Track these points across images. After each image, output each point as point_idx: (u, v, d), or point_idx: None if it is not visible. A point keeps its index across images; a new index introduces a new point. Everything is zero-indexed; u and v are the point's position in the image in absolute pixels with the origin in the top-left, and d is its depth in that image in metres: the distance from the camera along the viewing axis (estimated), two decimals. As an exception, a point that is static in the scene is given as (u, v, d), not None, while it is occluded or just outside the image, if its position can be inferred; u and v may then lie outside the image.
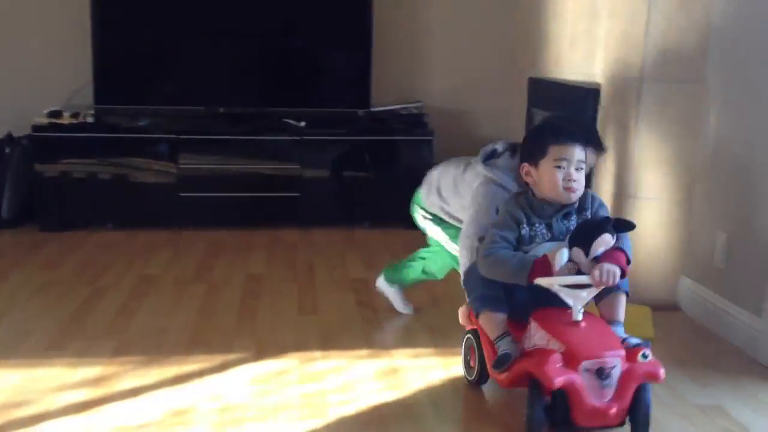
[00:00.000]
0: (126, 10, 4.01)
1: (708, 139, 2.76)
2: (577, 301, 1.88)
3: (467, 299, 2.13)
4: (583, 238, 1.91)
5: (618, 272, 1.87)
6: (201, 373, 2.22)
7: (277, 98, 4.18)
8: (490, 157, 2.33)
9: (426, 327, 2.63)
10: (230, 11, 4.10)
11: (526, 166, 2.03)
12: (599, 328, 1.92)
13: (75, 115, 3.84)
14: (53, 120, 3.81)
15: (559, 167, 1.96)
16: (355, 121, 4.12)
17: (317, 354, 2.38)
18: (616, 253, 1.90)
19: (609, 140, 2.87)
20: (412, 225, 2.71)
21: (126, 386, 2.14)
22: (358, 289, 3.01)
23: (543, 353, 1.84)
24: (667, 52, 2.77)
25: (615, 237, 1.92)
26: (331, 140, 4.01)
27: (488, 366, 2.02)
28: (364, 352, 2.41)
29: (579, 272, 1.89)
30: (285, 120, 4.04)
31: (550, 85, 3.55)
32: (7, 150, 3.81)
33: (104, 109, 3.97)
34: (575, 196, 1.99)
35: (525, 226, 2.00)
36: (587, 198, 2.04)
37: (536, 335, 1.92)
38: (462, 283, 2.17)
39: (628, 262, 1.92)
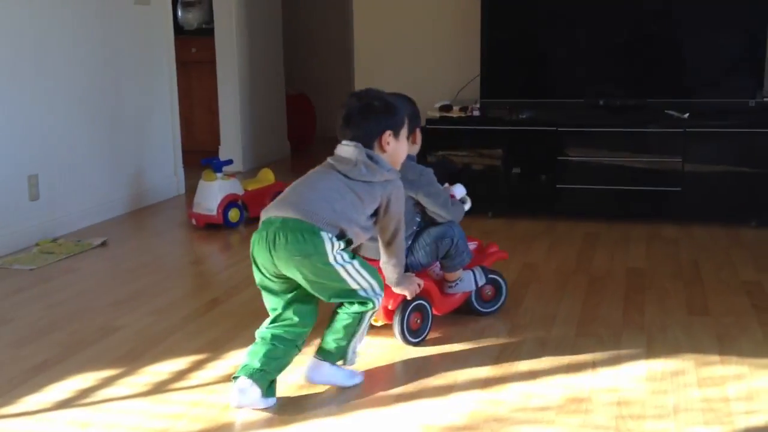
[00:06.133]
0: (510, 10, 4.21)
1: None
2: None
3: (461, 256, 2.50)
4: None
5: None
6: (594, 364, 2.29)
7: (659, 89, 4.08)
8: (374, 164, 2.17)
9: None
10: (610, 3, 4.10)
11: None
12: None
13: (463, 109, 4.14)
14: (444, 113, 4.14)
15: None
16: (745, 112, 3.87)
17: (714, 357, 2.31)
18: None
19: None
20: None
21: (521, 368, 2.28)
22: (752, 292, 2.85)
23: (489, 249, 2.73)
24: None
25: None
26: (717, 132, 3.81)
27: (437, 307, 2.52)
28: (766, 361, 2.28)
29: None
30: (667, 111, 3.93)
31: None
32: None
33: (490, 103, 4.23)
34: None
35: None
36: None
37: None
38: (452, 253, 2.49)
39: None
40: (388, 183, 2.16)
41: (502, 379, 2.20)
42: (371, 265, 2.17)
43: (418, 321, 2.46)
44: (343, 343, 2.15)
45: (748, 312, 2.66)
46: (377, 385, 2.18)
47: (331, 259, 2.06)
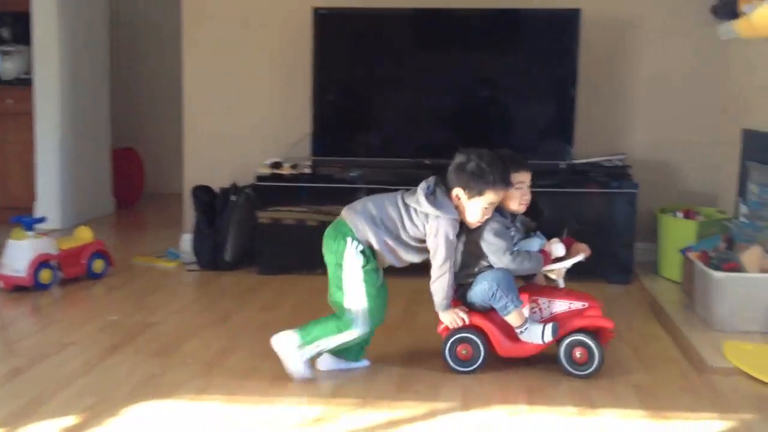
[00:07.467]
0: (341, 70, 4.31)
1: None
2: (561, 276, 2.71)
3: (502, 301, 2.58)
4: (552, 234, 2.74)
5: None
6: (412, 419, 2.31)
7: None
8: (428, 197, 2.60)
9: (633, 386, 2.57)
10: (435, 68, 4.28)
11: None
12: (571, 290, 2.76)
13: (294, 166, 4.15)
14: (274, 171, 4.13)
15: (518, 189, 2.66)
16: (556, 174, 4.13)
17: (524, 408, 2.40)
18: (569, 237, 2.75)
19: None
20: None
21: (343, 427, 2.26)
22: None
23: (589, 312, 2.67)
24: None
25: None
26: (532, 192, 4.02)
27: (498, 348, 2.66)
28: (571, 409, 2.40)
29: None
30: (486, 171, 4.12)
31: (768, 137, 3.38)
32: (233, 198, 4.17)
33: (320, 161, 4.26)
34: (525, 208, 2.70)
35: (512, 231, 2.67)
36: None
37: (551, 306, 2.68)
38: (472, 294, 2.67)
39: None
40: (430, 217, 2.57)
41: (321, 440, 2.18)
42: (379, 305, 2.58)
43: (465, 352, 2.66)
44: (315, 335, 2.56)
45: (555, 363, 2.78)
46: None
47: (344, 264, 2.55)
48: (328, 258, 2.62)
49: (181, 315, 3.38)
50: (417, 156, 4.26)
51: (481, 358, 2.65)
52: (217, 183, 4.28)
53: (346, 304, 2.56)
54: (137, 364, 2.74)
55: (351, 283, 2.56)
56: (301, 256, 4.10)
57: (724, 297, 3.01)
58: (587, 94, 4.19)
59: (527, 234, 2.75)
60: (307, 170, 4.17)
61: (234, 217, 4.15)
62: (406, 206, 2.60)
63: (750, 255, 3.06)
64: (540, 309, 2.69)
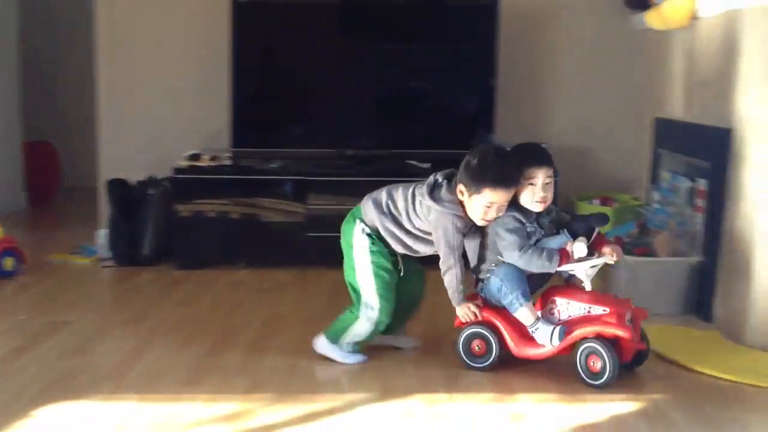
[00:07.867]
0: (261, 61, 4.25)
1: None
2: (588, 277, 2.51)
3: (508, 298, 2.52)
4: (581, 233, 2.53)
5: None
6: (330, 412, 2.30)
7: (403, 140, 4.28)
8: (432, 190, 2.59)
9: (550, 369, 2.60)
10: (357, 59, 4.27)
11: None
12: (602, 293, 2.63)
13: (213, 158, 4.06)
14: (193, 163, 4.04)
15: (530, 185, 2.50)
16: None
17: (443, 396, 2.41)
18: (601, 237, 2.57)
19: (746, 182, 2.79)
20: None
21: (259, 423, 2.23)
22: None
23: (605, 318, 2.45)
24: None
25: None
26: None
27: (512, 346, 2.56)
28: (489, 395, 2.42)
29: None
30: (408, 161, 4.12)
31: (678, 125, 3.48)
32: (150, 191, 4.06)
33: (240, 152, 4.19)
34: (543, 206, 2.55)
35: (528, 226, 2.54)
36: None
37: (570, 308, 2.53)
38: (483, 288, 2.63)
39: None
40: (432, 210, 2.55)
41: (236, 436, 2.14)
42: (387, 285, 2.60)
43: (479, 348, 2.61)
44: (338, 330, 2.66)
45: (477, 350, 2.81)
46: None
47: (353, 244, 2.64)
48: (342, 239, 2.71)
49: (94, 313, 3.27)
50: (339, 146, 4.24)
51: (494, 354, 2.59)
52: (135, 176, 4.16)
53: (358, 285, 2.64)
54: (47, 365, 2.65)
55: (360, 263, 2.64)
56: (221, 250, 4.04)
57: (636, 281, 3.09)
58: (507, 84, 4.23)
59: (558, 231, 2.59)
60: (227, 162, 4.10)
61: (151, 210, 4.05)
62: (413, 196, 2.62)
63: (661, 240, 3.15)
64: (557, 310, 2.56)
